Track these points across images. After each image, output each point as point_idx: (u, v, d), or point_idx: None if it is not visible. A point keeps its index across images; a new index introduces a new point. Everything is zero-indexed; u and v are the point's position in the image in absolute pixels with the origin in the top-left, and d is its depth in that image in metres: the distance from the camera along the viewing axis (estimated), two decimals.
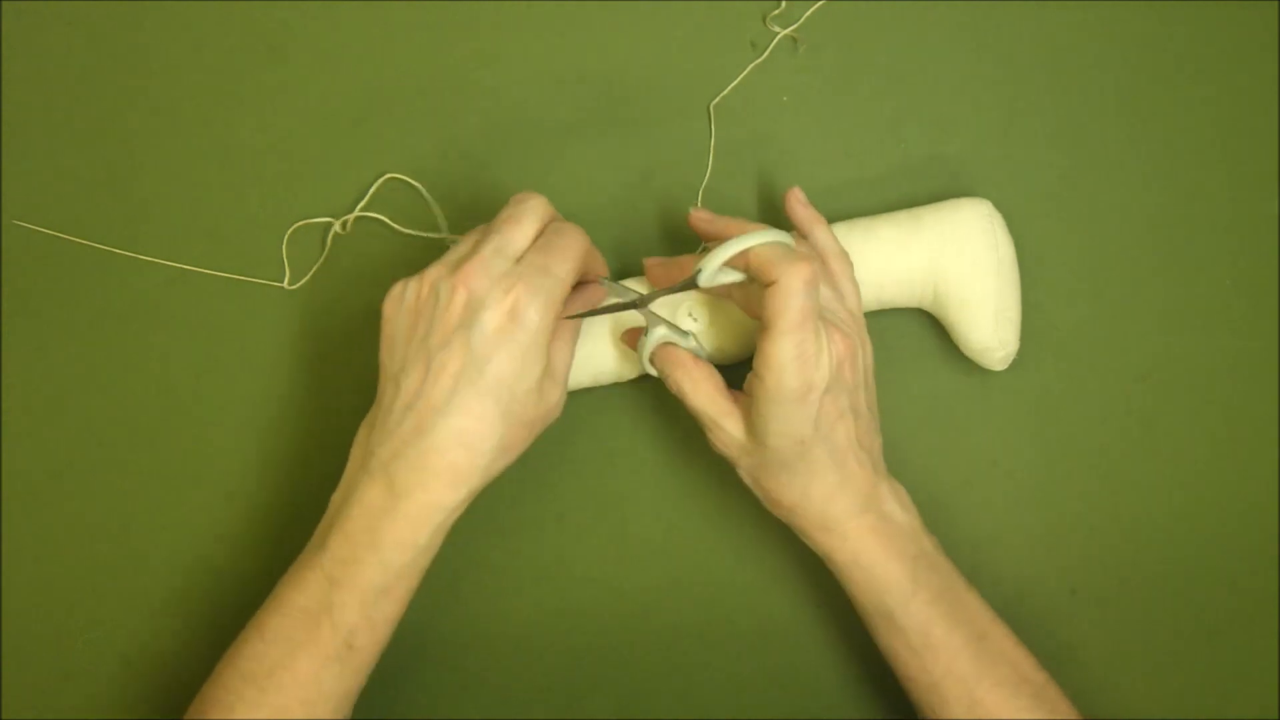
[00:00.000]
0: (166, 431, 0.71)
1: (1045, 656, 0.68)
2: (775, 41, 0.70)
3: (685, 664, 0.70)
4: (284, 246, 0.71)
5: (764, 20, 0.70)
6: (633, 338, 0.65)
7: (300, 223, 0.71)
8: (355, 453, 0.61)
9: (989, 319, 0.65)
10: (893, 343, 0.70)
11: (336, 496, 0.61)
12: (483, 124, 0.71)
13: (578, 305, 0.63)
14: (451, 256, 0.59)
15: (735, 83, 0.70)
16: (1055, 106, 0.70)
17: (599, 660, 0.70)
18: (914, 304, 0.67)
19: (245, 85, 0.71)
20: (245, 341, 0.71)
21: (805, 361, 0.57)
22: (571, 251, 0.59)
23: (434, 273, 0.59)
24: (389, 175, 0.71)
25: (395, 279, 0.61)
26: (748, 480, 0.62)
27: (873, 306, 0.67)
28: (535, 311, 0.57)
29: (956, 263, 0.65)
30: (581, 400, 0.70)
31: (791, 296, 0.56)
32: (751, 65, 0.70)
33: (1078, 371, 0.70)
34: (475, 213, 0.71)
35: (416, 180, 0.71)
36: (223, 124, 0.71)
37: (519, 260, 0.59)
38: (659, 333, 0.62)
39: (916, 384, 0.70)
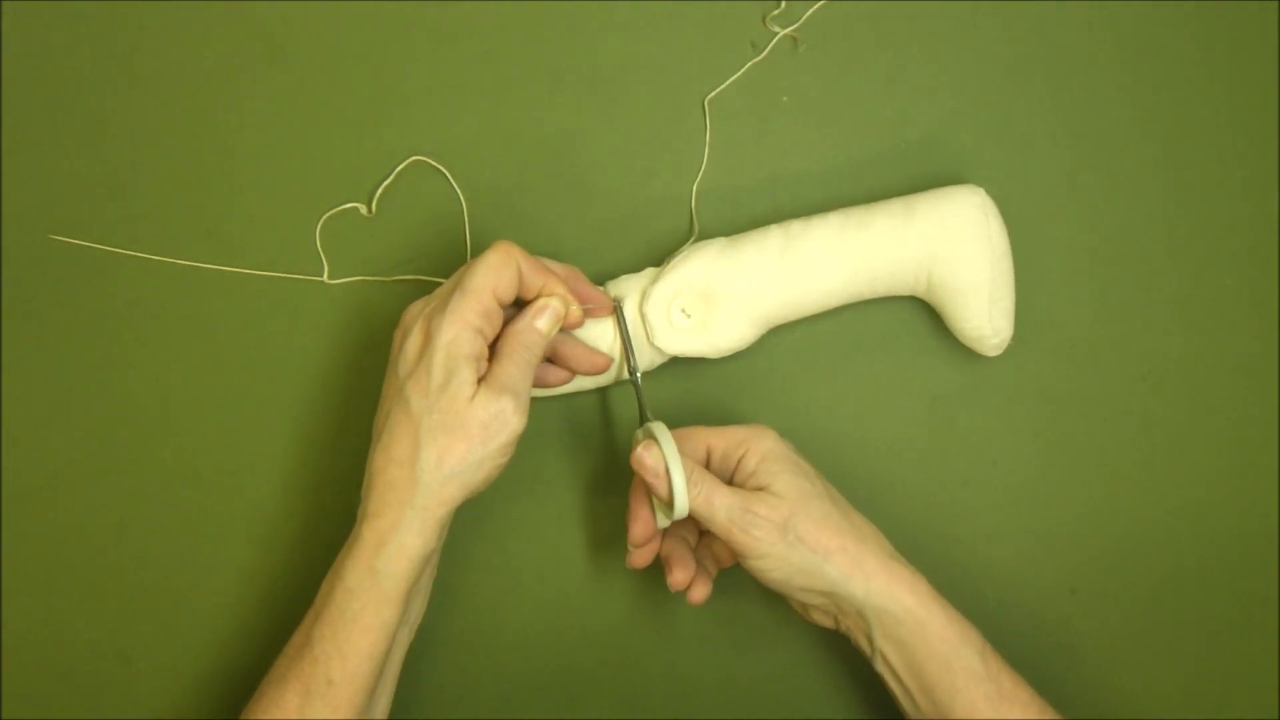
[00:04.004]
0: (166, 432, 0.71)
1: (1045, 656, 0.69)
2: (775, 41, 0.70)
3: (684, 664, 0.70)
4: (318, 239, 0.70)
5: (764, 20, 0.70)
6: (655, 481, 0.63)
7: (330, 212, 0.71)
8: None
9: (983, 306, 0.65)
10: (890, 335, 0.70)
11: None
12: (483, 125, 0.71)
13: (523, 320, 0.63)
14: None
15: (733, 79, 0.70)
16: (1055, 108, 0.70)
17: (599, 660, 0.70)
18: (908, 292, 0.67)
19: (248, 84, 0.71)
20: (282, 338, 0.71)
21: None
22: (481, 268, 0.61)
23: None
24: (382, 185, 0.71)
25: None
26: (797, 546, 0.61)
27: (867, 296, 0.67)
28: (444, 331, 0.59)
29: (950, 251, 0.65)
30: (581, 400, 0.70)
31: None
32: (750, 63, 0.70)
33: (1078, 371, 0.70)
34: (472, 218, 0.71)
35: (417, 185, 0.71)
36: (231, 126, 0.71)
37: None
38: (671, 451, 0.61)
39: (916, 381, 0.70)
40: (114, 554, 0.70)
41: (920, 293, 0.67)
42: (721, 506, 0.61)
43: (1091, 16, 0.70)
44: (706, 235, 0.70)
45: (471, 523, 0.70)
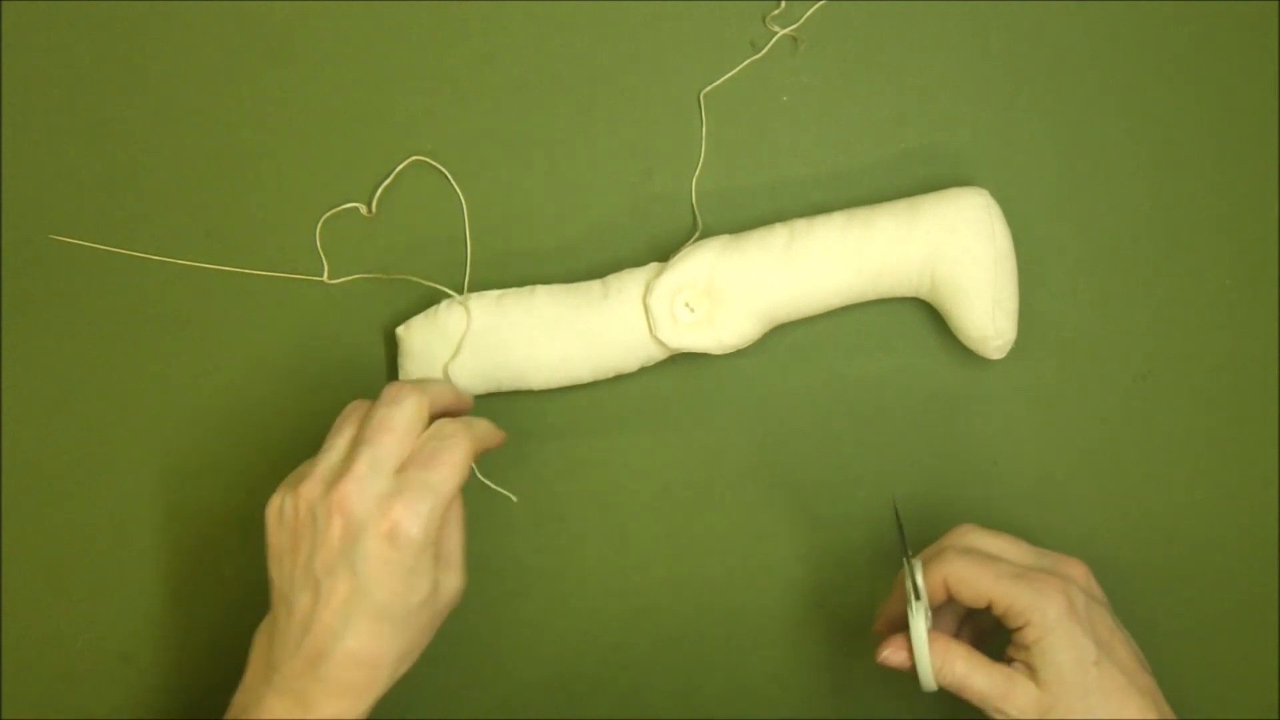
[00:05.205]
0: (166, 432, 0.71)
1: None
2: (774, 41, 0.70)
3: (685, 664, 0.70)
4: (318, 239, 0.70)
5: (764, 20, 0.70)
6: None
7: (330, 212, 0.71)
8: (256, 661, 0.60)
9: (986, 308, 0.65)
10: (890, 335, 0.70)
11: (239, 700, 0.60)
12: (483, 125, 0.71)
13: (478, 436, 0.61)
14: (327, 464, 0.58)
15: (730, 74, 0.70)
16: (1057, 109, 0.70)
17: (599, 660, 0.70)
18: (911, 293, 0.67)
19: (248, 84, 0.71)
20: (282, 338, 0.71)
21: (1076, 611, 0.58)
22: (453, 461, 0.58)
23: (309, 490, 0.58)
24: (382, 184, 0.71)
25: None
26: None
27: (870, 296, 0.67)
28: (416, 530, 0.56)
29: (954, 252, 0.65)
30: (581, 397, 0.70)
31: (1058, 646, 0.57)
32: (748, 61, 0.70)
33: (1077, 370, 0.70)
34: (472, 218, 0.71)
35: (416, 187, 0.71)
36: (231, 126, 0.71)
37: (397, 473, 0.57)
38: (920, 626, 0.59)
39: (916, 381, 0.70)
40: (114, 554, 0.70)
41: (924, 294, 0.67)
42: (976, 690, 0.58)
43: (1092, 17, 0.70)
44: (708, 234, 0.70)
45: (472, 522, 0.70)
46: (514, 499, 0.68)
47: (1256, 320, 0.70)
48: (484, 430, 0.62)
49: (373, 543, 0.56)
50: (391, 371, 0.70)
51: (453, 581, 0.60)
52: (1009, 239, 0.66)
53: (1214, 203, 0.70)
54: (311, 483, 0.58)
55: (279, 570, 0.59)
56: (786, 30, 0.70)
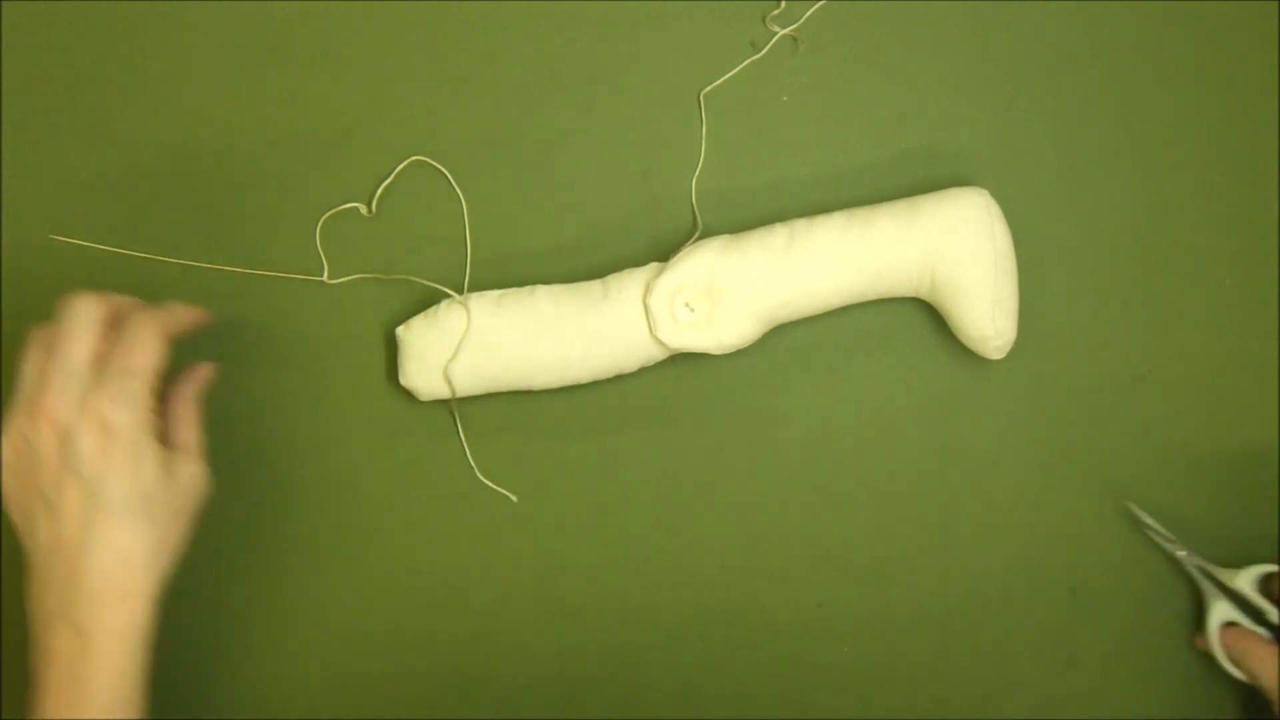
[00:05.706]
0: None
1: (1045, 656, 0.69)
2: (774, 41, 0.70)
3: (685, 664, 0.70)
4: (318, 239, 0.70)
5: (764, 20, 0.70)
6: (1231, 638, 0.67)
7: (330, 212, 0.71)
8: (31, 612, 0.60)
9: (986, 307, 0.65)
10: (890, 336, 0.70)
11: (33, 659, 0.59)
12: (483, 125, 0.71)
13: (189, 385, 0.64)
14: (23, 391, 0.59)
15: (730, 75, 0.70)
16: (1057, 109, 0.70)
17: (599, 660, 0.70)
18: (911, 293, 0.67)
19: (248, 84, 0.71)
20: (282, 338, 0.71)
21: None
22: (144, 341, 0.59)
23: (17, 422, 0.58)
24: (382, 184, 0.71)
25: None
26: None
27: (870, 296, 0.67)
28: (125, 415, 0.57)
29: (954, 251, 0.65)
30: (581, 397, 0.70)
31: None
32: (748, 61, 0.70)
33: (1078, 371, 0.70)
34: (472, 218, 0.71)
35: (416, 187, 0.71)
36: (231, 126, 0.71)
37: (94, 371, 0.58)
38: (1220, 610, 0.67)
39: (916, 382, 0.70)
40: None
41: (924, 294, 0.67)
42: (1262, 686, 0.65)
43: (1092, 17, 0.70)
44: (708, 234, 0.70)
45: (473, 525, 0.70)
46: (514, 499, 0.68)
47: (1256, 320, 0.70)
48: (171, 310, 0.62)
49: (87, 440, 0.57)
50: (391, 371, 0.70)
51: (192, 468, 0.61)
52: (1009, 239, 0.66)
53: (1214, 203, 0.70)
54: (17, 415, 0.59)
55: (16, 512, 0.59)
56: (786, 30, 0.70)
